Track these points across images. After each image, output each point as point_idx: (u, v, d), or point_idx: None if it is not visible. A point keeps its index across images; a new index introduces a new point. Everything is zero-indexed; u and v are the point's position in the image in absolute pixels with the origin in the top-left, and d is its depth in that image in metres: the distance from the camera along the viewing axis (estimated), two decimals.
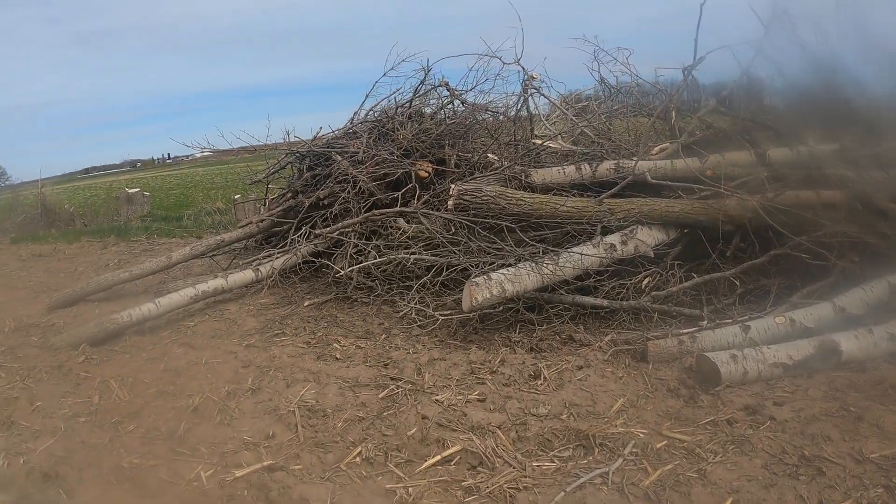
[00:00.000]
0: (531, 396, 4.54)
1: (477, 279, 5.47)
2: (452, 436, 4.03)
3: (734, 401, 4.43)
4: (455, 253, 6.41)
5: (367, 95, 9.46)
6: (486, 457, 3.77)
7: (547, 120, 9.46)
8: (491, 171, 7.36)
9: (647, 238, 6.29)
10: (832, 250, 6.15)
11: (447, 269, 6.40)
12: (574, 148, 8.25)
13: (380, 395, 4.73)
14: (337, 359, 5.61)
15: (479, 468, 3.73)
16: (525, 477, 3.57)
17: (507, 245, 6.13)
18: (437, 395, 4.64)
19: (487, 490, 3.47)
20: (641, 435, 3.96)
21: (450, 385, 4.80)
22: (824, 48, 8.64)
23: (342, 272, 7.01)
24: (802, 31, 8.40)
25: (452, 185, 6.47)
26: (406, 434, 4.13)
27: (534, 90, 8.84)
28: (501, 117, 9.35)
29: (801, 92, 8.12)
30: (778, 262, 6.36)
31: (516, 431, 4.07)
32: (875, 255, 6.24)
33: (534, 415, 4.26)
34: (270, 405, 4.74)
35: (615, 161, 7.09)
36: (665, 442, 3.90)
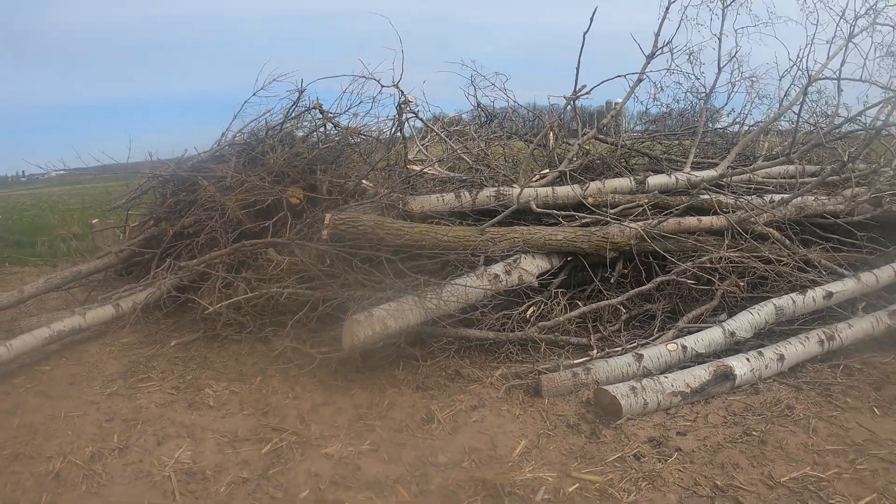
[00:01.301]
0: (427, 443, 4.37)
1: (357, 316, 5.25)
2: (349, 496, 3.81)
3: (638, 434, 4.45)
4: (331, 286, 6.18)
5: (234, 116, 9.07)
6: None
7: (422, 144, 9.36)
8: (367, 198, 7.15)
9: (531, 267, 6.26)
10: (714, 275, 6.34)
11: (323, 304, 6.11)
12: (452, 174, 8.23)
13: (263, 451, 4.42)
14: (211, 406, 5.23)
15: None
16: None
17: (386, 277, 5.91)
18: (326, 446, 4.39)
19: None
20: (550, 479, 3.87)
21: (338, 434, 4.56)
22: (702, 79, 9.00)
23: (210, 308, 6.65)
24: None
25: (327, 214, 6.20)
26: (298, 497, 3.86)
27: (410, 114, 8.72)
28: (375, 141, 9.16)
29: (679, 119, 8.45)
30: (661, 287, 6.47)
31: (417, 484, 3.89)
32: (758, 278, 6.57)
33: (433, 464, 4.10)
34: (142, 468, 4.31)
35: (496, 188, 7.08)
36: (577, 485, 3.84)
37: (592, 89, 8.37)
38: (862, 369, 5.83)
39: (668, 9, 8.70)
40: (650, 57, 8.64)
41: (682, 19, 9.08)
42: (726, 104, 10.92)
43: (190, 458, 4.39)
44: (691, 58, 9.63)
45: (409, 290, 5.63)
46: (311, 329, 6.12)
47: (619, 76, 8.69)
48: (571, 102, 8.50)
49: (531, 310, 6.21)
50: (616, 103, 9.77)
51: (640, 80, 8.65)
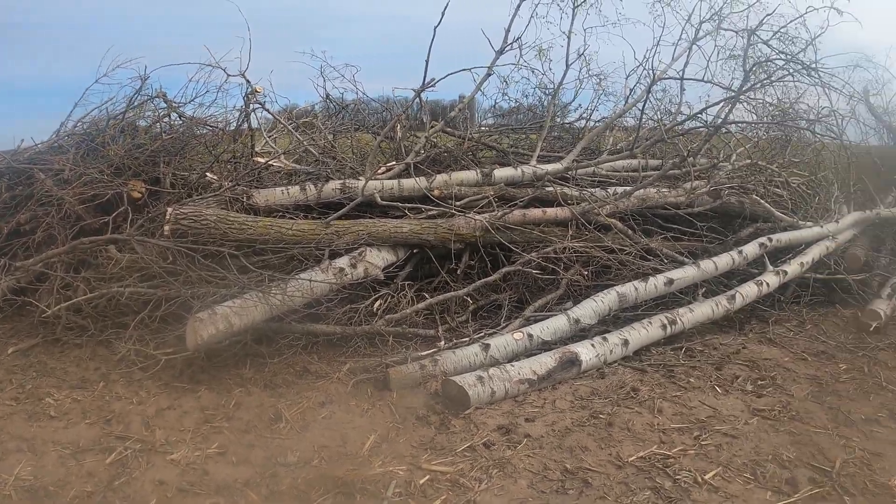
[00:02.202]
0: (276, 443, 4.28)
1: (200, 314, 5.11)
2: (197, 502, 3.70)
3: (487, 422, 4.54)
4: (174, 284, 5.97)
5: (75, 104, 8.46)
6: None
7: (269, 136, 9.20)
8: (210, 191, 7.00)
9: (377, 260, 6.29)
10: (559, 264, 6.55)
11: (166, 303, 5.86)
12: (298, 167, 8.13)
13: (107, 461, 4.17)
14: (52, 417, 4.88)
15: None
16: None
17: (230, 273, 5.76)
18: (172, 452, 4.20)
19: None
20: (401, 473, 3.88)
21: (184, 439, 4.37)
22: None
23: (49, 311, 6.29)
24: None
25: (168, 209, 6.04)
26: None
27: (257, 105, 8.52)
28: (221, 133, 8.89)
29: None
30: (508, 277, 6.64)
31: (267, 486, 3.80)
32: (602, 267, 6.87)
33: (283, 464, 4.01)
34: None
35: (341, 181, 7.05)
36: (428, 476, 3.86)
37: (437, 82, 8.42)
38: (703, 351, 6.25)
39: (518, 7, 8.84)
40: (499, 52, 8.77)
41: (532, 16, 9.26)
42: (573, 100, 11.27)
43: (31, 474, 4.07)
44: (541, 54, 9.90)
45: (253, 286, 5.52)
46: (154, 330, 5.82)
47: (464, 70, 8.78)
48: (419, 95, 8.55)
49: (378, 303, 6.23)
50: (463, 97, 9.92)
51: (488, 75, 8.78)
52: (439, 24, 8.06)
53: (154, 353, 5.45)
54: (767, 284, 7.44)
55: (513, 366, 5.07)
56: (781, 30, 9.32)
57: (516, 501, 3.62)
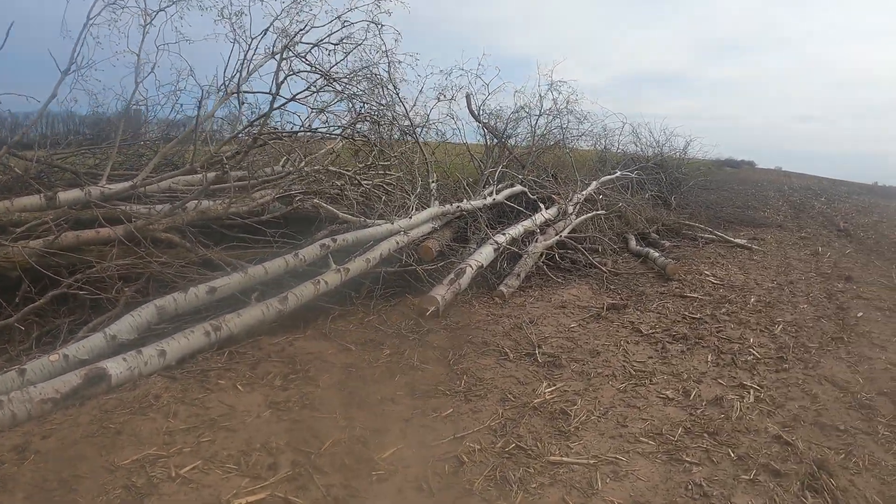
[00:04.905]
0: None
1: None
2: None
3: (4, 444, 4.87)
4: None
5: None
6: None
7: None
8: None
9: None
10: (110, 283, 7.09)
11: None
12: None
13: None
14: None
15: None
16: None
17: None
18: None
19: None
20: None
21: None
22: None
23: None
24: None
25: None
26: None
27: None
28: None
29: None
30: (66, 301, 7.14)
31: None
32: (159, 281, 7.41)
33: None
34: None
35: None
36: None
37: None
38: (246, 353, 6.88)
39: (82, 32, 9.52)
40: (65, 73, 9.28)
41: (96, 43, 9.98)
42: (150, 115, 12.32)
43: None
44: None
45: None
46: None
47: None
48: None
49: None
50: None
51: (53, 97, 9.23)
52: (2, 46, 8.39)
53: None
54: (326, 283, 8.30)
55: (35, 387, 5.34)
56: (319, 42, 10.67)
57: None
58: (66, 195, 8.56)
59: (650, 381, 6.98)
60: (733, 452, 5.58)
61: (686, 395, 6.69)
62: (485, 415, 5.95)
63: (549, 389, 6.53)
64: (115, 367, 5.90)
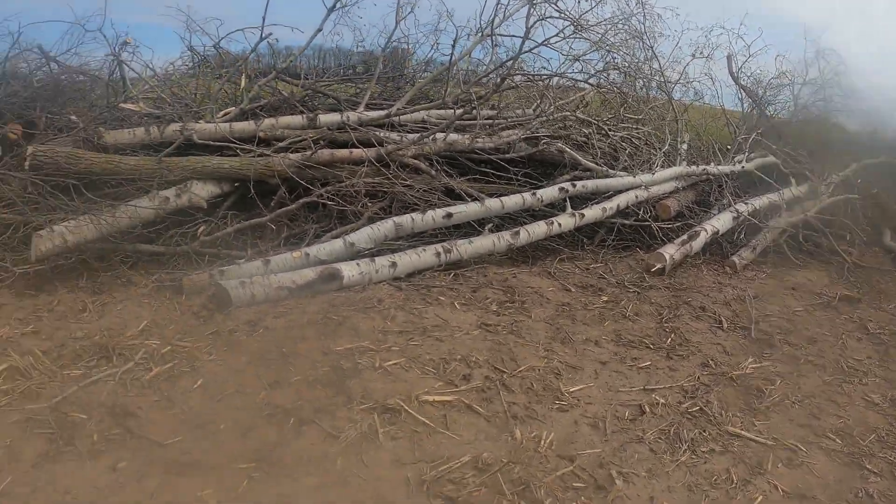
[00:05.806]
0: (76, 325, 5.57)
1: (41, 232, 6.41)
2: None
3: (240, 317, 5.64)
4: (33, 211, 7.11)
5: None
6: (26, 370, 4.80)
7: (133, 85, 10.44)
8: (68, 132, 8.29)
9: (202, 191, 7.57)
10: (356, 198, 7.80)
11: (24, 227, 6.99)
12: (153, 111, 9.39)
13: None
14: None
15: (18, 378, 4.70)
16: (53, 381, 4.72)
17: (78, 202, 7.04)
18: None
19: (20, 390, 4.53)
20: (153, 345, 5.17)
21: (10, 323, 5.55)
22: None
23: None
24: None
25: (29, 147, 7.25)
26: None
27: (127, 53, 9.93)
28: (93, 80, 10.29)
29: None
30: (315, 209, 7.94)
31: (56, 351, 5.10)
32: (401, 202, 8.04)
33: (73, 339, 5.31)
34: None
35: (181, 123, 8.32)
36: (170, 348, 5.14)
37: (266, 38, 9.98)
38: (471, 277, 7.29)
39: None
40: (330, 10, 10.29)
41: None
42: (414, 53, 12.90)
43: None
44: None
45: (87, 210, 6.82)
46: (12, 248, 6.91)
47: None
48: (255, 49, 10.16)
49: (201, 228, 7.50)
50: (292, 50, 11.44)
51: (318, 30, 10.29)
52: None
53: (12, 267, 6.54)
54: (560, 224, 8.62)
55: (276, 275, 6.14)
56: None
57: (231, 369, 4.90)
58: (325, 117, 9.41)
59: (860, 380, 6.47)
60: None
61: (893, 403, 6.13)
62: (681, 374, 5.98)
63: (754, 365, 6.38)
64: (349, 270, 6.53)
